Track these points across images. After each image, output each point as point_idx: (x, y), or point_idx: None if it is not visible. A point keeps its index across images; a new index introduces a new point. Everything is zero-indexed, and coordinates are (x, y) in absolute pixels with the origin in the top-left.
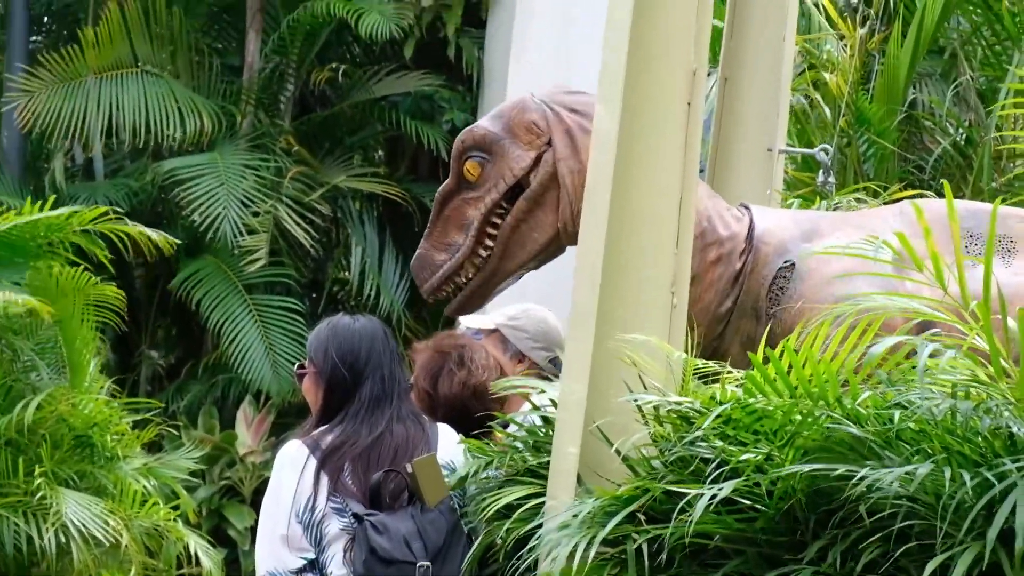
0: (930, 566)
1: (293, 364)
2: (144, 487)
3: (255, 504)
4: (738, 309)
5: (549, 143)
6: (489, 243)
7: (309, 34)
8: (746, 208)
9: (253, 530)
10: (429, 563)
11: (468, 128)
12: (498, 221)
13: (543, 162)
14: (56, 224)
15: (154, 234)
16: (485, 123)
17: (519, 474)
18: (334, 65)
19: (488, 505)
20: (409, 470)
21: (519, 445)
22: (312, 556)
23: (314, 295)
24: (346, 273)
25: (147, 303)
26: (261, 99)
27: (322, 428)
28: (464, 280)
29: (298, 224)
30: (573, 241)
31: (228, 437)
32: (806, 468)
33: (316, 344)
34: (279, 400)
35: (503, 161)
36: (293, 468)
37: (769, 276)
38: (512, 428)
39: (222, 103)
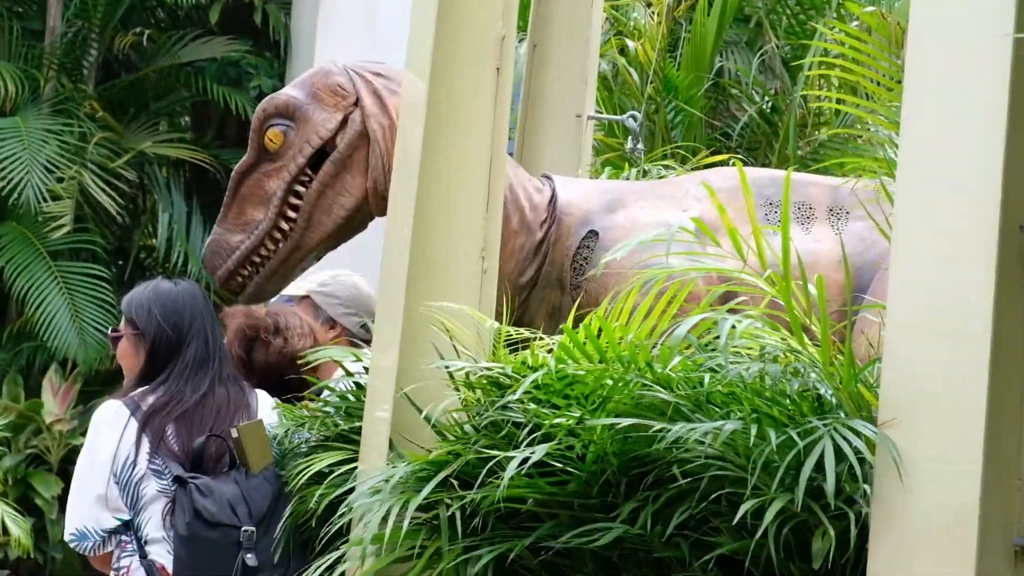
0: (741, 510)
1: (100, 331)
2: None
3: (62, 473)
4: (542, 280)
5: (356, 103)
6: (292, 215)
7: None
8: (548, 179)
9: (60, 499)
10: (254, 528)
11: (269, 97)
12: (301, 190)
13: (350, 122)
14: None
15: None
16: (287, 90)
17: (331, 439)
18: (138, 30)
19: (301, 470)
20: (235, 435)
21: (330, 410)
22: (127, 517)
23: (120, 262)
24: (153, 240)
25: None
26: (64, 63)
27: (143, 388)
28: (263, 257)
29: (103, 190)
30: (381, 206)
31: (34, 405)
32: (619, 422)
33: (136, 306)
34: (86, 368)
35: (307, 125)
36: (112, 428)
37: (573, 247)
38: (325, 394)
39: (24, 67)
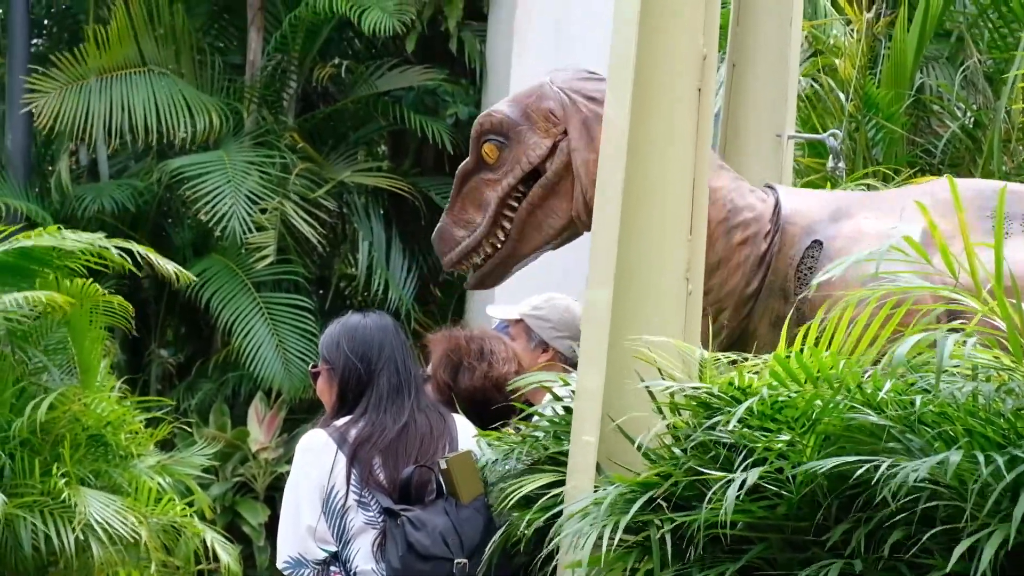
0: (958, 550)
1: (303, 360)
2: (159, 484)
3: (268, 500)
4: (766, 289)
5: (565, 132)
6: (506, 225)
7: (310, 31)
8: (771, 188)
9: (267, 526)
10: (466, 560)
11: (487, 111)
12: (514, 204)
13: (559, 151)
14: (69, 251)
15: (170, 265)
16: (503, 108)
17: (540, 462)
18: (336, 61)
19: (510, 494)
20: (443, 466)
21: (539, 434)
22: (334, 549)
23: (321, 291)
24: (353, 269)
25: (155, 302)
26: (265, 96)
27: (345, 419)
28: (481, 259)
29: (305, 220)
30: (588, 228)
31: (240, 434)
32: (827, 463)
33: (328, 342)
34: (290, 397)
35: (520, 147)
36: (320, 459)
37: (797, 256)
38: (534, 419)
39: (226, 100)
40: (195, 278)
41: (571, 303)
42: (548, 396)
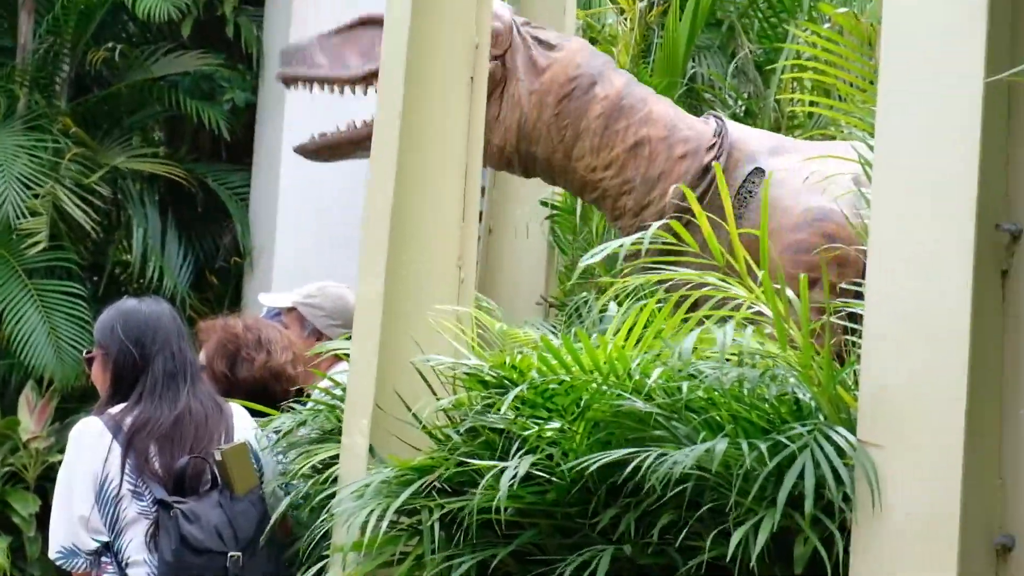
0: (734, 539)
1: (75, 348)
2: None
3: (39, 490)
4: (707, 206)
5: (496, 58)
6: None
7: (83, 14)
8: (716, 117)
9: (38, 516)
10: (240, 553)
11: None
12: None
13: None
14: None
15: None
16: None
17: (332, 432)
18: (110, 45)
19: (299, 464)
20: (218, 458)
21: (334, 403)
22: (106, 539)
23: (95, 278)
24: (128, 255)
25: None
26: (37, 79)
27: (121, 407)
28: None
29: (78, 206)
30: (510, 166)
31: (10, 423)
32: (597, 457)
33: (102, 326)
34: (62, 385)
35: None
36: (93, 448)
37: (739, 179)
38: (327, 385)
39: None
40: None
41: (344, 291)
42: (342, 365)
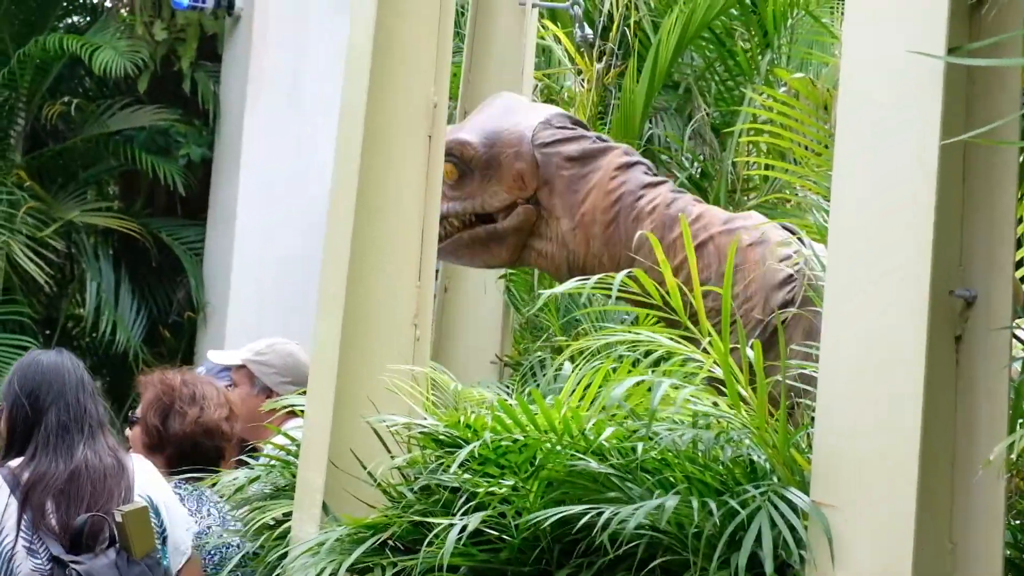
0: None
1: None
2: None
3: None
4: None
5: (528, 200)
6: (442, 232)
7: (40, 68)
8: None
9: None
10: None
11: (462, 136)
12: (455, 223)
13: (516, 211)
14: None
15: None
16: (478, 143)
17: (286, 488)
18: (66, 99)
19: (255, 520)
20: (118, 519)
21: (289, 458)
22: None
23: (48, 332)
24: (81, 309)
25: None
26: None
27: (19, 461)
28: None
29: (32, 260)
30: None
31: None
32: (550, 514)
33: (5, 380)
34: None
35: (480, 188)
36: None
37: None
38: (282, 441)
39: None
40: None
41: (294, 348)
42: (296, 421)
